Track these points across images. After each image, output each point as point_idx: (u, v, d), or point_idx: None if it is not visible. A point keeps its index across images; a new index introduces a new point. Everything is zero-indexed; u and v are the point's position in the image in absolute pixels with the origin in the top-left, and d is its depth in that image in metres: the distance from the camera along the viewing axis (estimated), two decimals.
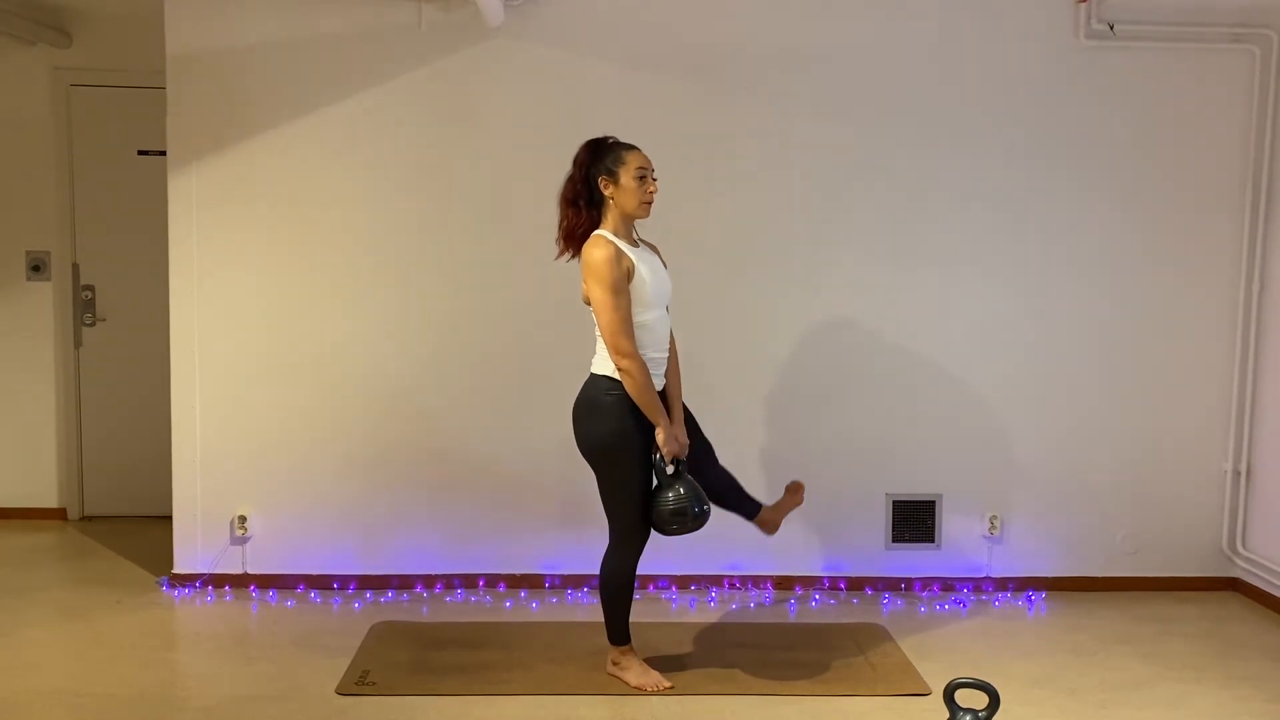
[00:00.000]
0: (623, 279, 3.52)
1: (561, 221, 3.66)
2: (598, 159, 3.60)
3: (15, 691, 3.62)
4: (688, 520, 3.58)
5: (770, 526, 4.04)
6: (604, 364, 3.63)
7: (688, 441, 3.70)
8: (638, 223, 3.71)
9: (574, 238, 3.63)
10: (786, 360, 4.73)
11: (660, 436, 3.58)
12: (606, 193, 3.59)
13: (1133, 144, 4.71)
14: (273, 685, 3.71)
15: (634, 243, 3.67)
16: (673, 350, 3.79)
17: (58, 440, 5.77)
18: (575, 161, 3.64)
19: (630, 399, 3.57)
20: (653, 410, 3.57)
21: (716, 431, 4.40)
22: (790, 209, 4.68)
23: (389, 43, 4.58)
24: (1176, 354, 4.80)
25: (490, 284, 4.68)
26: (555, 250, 3.69)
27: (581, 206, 3.60)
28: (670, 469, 3.60)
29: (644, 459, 3.62)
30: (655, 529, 3.65)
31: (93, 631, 4.20)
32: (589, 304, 3.59)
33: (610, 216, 3.60)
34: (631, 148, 3.63)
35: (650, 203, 3.62)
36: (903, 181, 4.69)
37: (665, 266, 3.77)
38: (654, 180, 3.63)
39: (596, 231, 3.59)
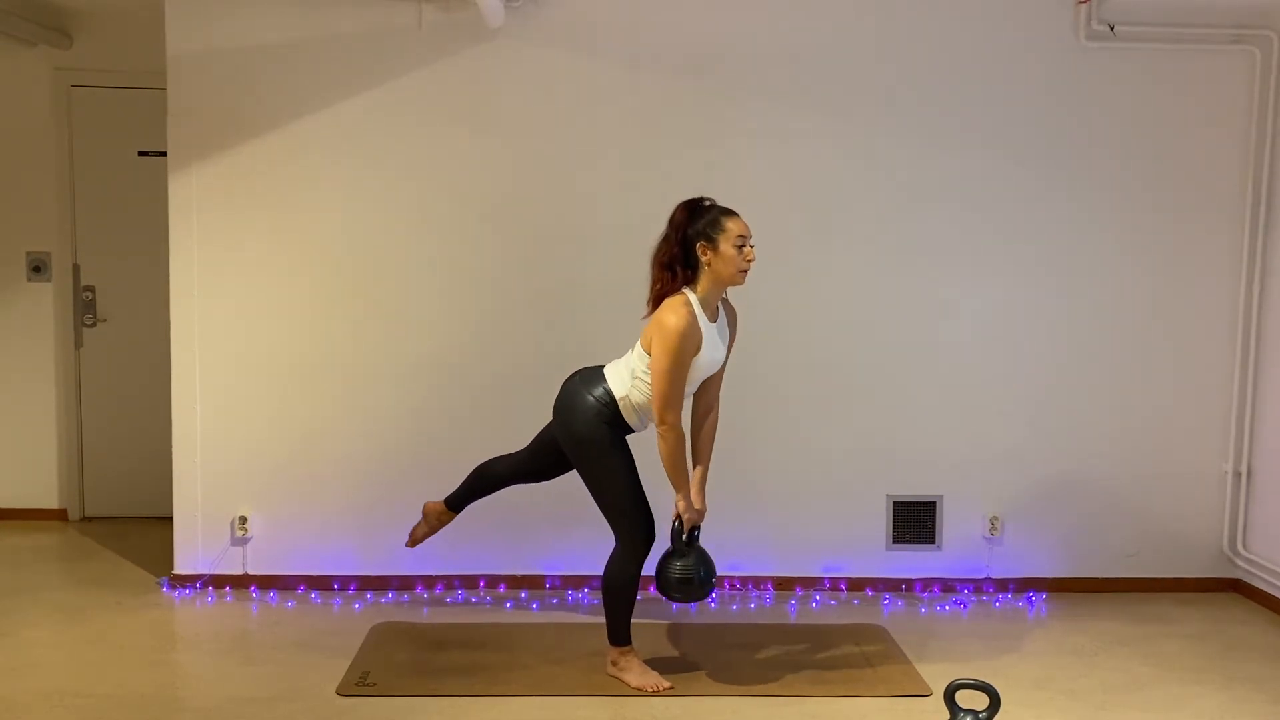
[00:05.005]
0: (689, 354, 3.51)
1: (654, 284, 3.62)
2: (695, 223, 3.56)
3: (15, 692, 3.62)
4: (692, 589, 3.65)
5: (422, 527, 4.32)
6: (620, 378, 3.66)
7: (705, 509, 3.74)
8: None
9: (664, 300, 3.59)
10: (786, 361, 4.73)
11: (680, 505, 3.65)
12: (704, 259, 3.55)
13: (1133, 145, 4.71)
14: (273, 686, 3.71)
15: (714, 314, 3.64)
16: (713, 417, 3.82)
17: (58, 441, 5.77)
18: (671, 223, 3.60)
19: (614, 417, 3.65)
20: (678, 480, 3.62)
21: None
22: (790, 209, 4.68)
23: (389, 44, 4.58)
24: (1177, 355, 4.80)
25: (491, 284, 4.68)
26: (644, 310, 3.65)
27: (677, 271, 3.56)
28: (685, 536, 3.67)
29: (624, 459, 3.67)
30: (660, 591, 3.71)
31: (93, 632, 4.20)
32: (648, 351, 3.57)
33: (704, 280, 3.57)
34: (731, 214, 3.58)
35: (747, 270, 3.58)
36: (903, 181, 4.69)
37: (733, 334, 3.78)
38: (751, 248, 3.59)
39: (684, 292, 3.56)
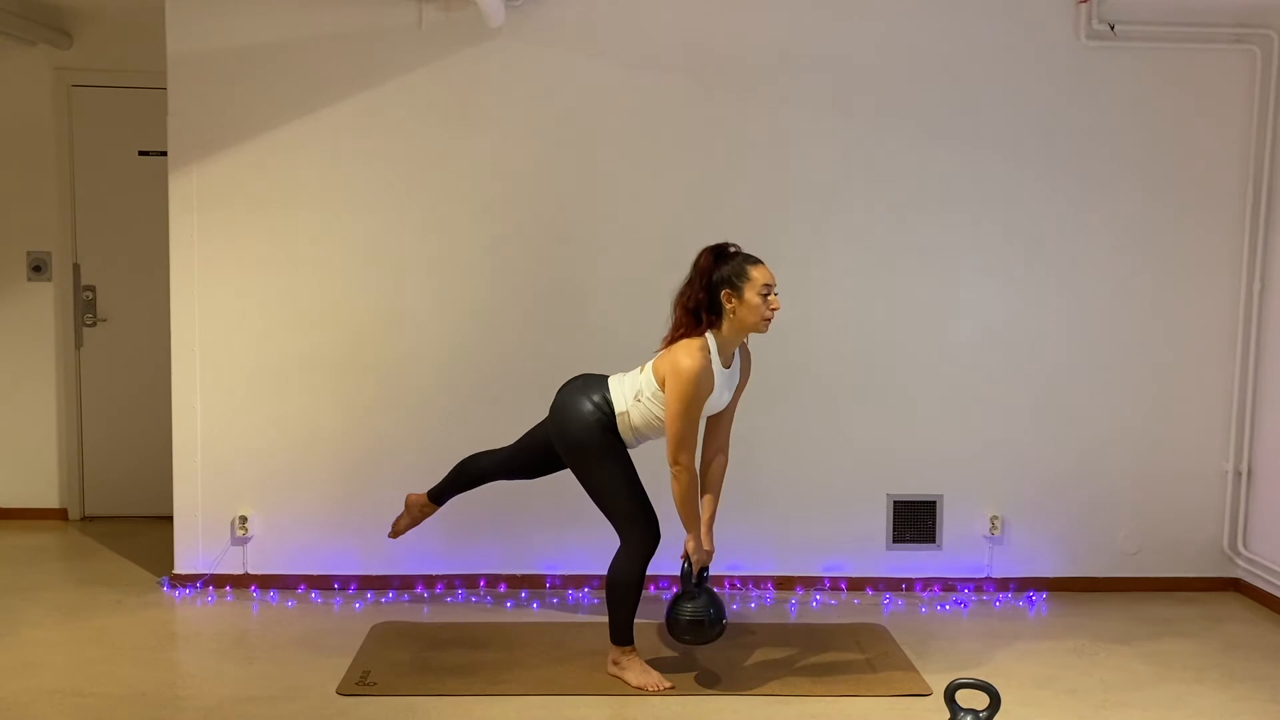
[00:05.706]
0: (702, 397, 3.52)
1: (676, 327, 3.61)
2: (721, 269, 3.55)
3: (16, 691, 3.62)
4: (703, 630, 3.66)
5: (404, 519, 4.32)
6: (622, 394, 3.67)
7: (714, 550, 3.75)
8: None
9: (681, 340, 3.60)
10: (787, 361, 4.72)
11: (690, 545, 3.66)
12: (728, 305, 3.54)
13: (1133, 144, 4.71)
14: (273, 685, 3.71)
15: (729, 360, 3.64)
16: (721, 460, 3.82)
17: (59, 440, 5.77)
18: (696, 267, 3.59)
19: (611, 425, 3.65)
20: (689, 520, 3.63)
21: None
22: (790, 209, 4.68)
23: (389, 43, 4.58)
24: (1177, 354, 4.81)
25: (489, 284, 4.68)
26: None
27: (701, 316, 3.55)
28: (695, 578, 3.68)
29: (621, 461, 3.68)
30: (669, 632, 3.72)
31: (94, 632, 4.20)
32: (662, 386, 3.57)
33: (726, 326, 3.56)
34: (756, 262, 3.57)
35: (770, 319, 3.57)
36: (903, 181, 4.69)
37: (744, 379, 3.77)
38: (776, 295, 3.58)
39: (705, 337, 3.55)
